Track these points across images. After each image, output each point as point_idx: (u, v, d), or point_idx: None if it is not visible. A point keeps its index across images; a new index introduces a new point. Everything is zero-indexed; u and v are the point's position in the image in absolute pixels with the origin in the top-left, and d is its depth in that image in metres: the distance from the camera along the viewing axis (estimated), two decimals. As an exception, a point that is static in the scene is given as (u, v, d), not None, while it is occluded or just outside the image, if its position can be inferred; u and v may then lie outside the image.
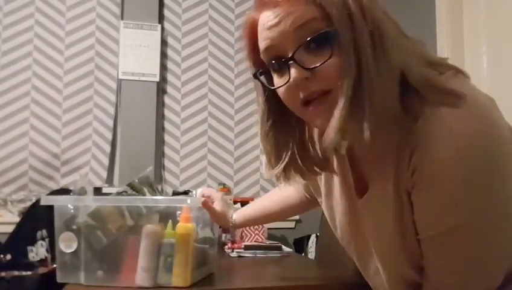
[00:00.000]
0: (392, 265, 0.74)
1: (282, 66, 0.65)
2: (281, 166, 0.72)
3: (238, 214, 1.23)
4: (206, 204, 1.19)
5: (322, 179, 0.85)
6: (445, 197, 0.61)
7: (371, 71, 0.59)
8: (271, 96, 0.71)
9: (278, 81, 0.67)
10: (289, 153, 0.73)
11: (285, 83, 0.65)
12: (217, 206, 1.21)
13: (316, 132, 0.76)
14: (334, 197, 0.83)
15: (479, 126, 0.59)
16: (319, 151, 0.74)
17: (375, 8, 0.62)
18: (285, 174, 0.73)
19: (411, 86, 0.63)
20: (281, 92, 0.67)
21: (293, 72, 0.63)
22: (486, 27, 1.91)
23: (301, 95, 0.64)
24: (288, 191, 1.18)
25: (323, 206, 0.87)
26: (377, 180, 0.71)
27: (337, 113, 0.60)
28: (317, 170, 0.75)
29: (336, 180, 0.81)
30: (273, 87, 0.68)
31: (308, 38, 0.61)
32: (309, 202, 1.13)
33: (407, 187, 0.66)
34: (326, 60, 0.61)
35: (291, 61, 0.63)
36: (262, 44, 0.67)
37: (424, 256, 0.69)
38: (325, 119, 0.63)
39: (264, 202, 1.25)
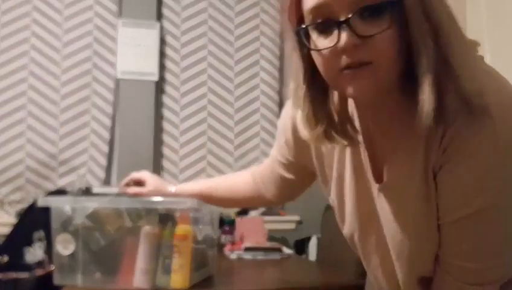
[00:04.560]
0: (410, 255, 0.72)
1: (330, 28, 0.61)
2: (321, 129, 0.70)
3: (179, 189, 1.20)
4: (130, 191, 1.19)
5: (334, 164, 0.82)
6: (479, 177, 0.61)
7: (447, 46, 0.58)
8: (307, 58, 0.68)
9: (321, 42, 0.63)
10: (326, 118, 0.71)
11: (332, 46, 0.61)
12: (149, 186, 1.19)
13: (334, 103, 0.74)
14: (345, 184, 0.81)
15: None
16: (337, 121, 0.73)
17: None
18: (327, 135, 0.71)
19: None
20: (321, 54, 0.64)
21: (345, 36, 0.59)
22: (488, 26, 1.90)
23: (345, 61, 0.61)
24: (243, 181, 1.13)
25: (333, 194, 0.84)
26: (399, 163, 0.69)
27: (427, 89, 0.59)
28: (340, 139, 0.73)
29: (349, 164, 0.79)
30: (318, 49, 0.64)
31: (370, 5, 0.59)
32: (262, 198, 1.09)
33: (435, 168, 0.65)
34: (383, 30, 0.58)
35: (344, 25, 0.59)
36: (312, 1, 0.62)
37: (445, 242, 0.68)
38: (361, 88, 0.62)
39: (211, 183, 1.21)
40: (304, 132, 0.72)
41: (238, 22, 2.84)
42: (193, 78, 2.75)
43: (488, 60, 1.88)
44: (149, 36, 2.64)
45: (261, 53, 2.83)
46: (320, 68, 0.66)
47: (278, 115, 2.77)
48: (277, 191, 1.05)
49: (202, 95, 2.75)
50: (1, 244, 2.03)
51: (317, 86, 0.70)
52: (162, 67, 2.70)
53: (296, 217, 2.73)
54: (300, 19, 0.66)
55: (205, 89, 2.76)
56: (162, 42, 2.70)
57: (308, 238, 2.48)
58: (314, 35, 0.64)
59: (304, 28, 0.65)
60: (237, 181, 1.15)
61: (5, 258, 1.86)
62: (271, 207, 2.73)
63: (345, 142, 0.73)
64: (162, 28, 2.70)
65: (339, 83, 0.65)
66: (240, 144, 2.78)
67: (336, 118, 0.72)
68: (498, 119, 0.59)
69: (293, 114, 0.84)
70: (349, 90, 0.64)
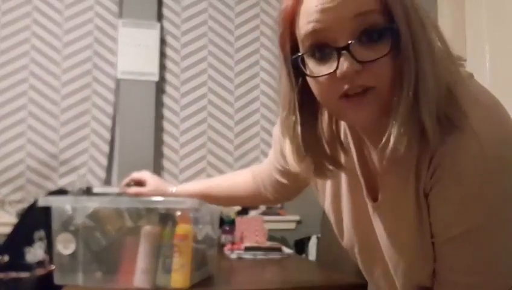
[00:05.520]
0: (405, 269, 0.73)
1: (328, 54, 0.61)
2: (310, 161, 0.69)
3: (180, 189, 1.20)
4: (131, 191, 1.19)
5: (329, 180, 0.82)
6: (468, 198, 0.61)
7: (427, 75, 0.58)
8: (301, 85, 0.67)
9: (319, 69, 0.62)
10: (316, 148, 0.69)
11: (331, 72, 0.60)
12: (150, 186, 1.20)
13: (324, 129, 0.73)
14: (342, 199, 0.81)
15: (504, 128, 0.61)
16: (327, 149, 0.72)
17: (426, 18, 0.61)
18: (316, 169, 0.70)
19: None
20: (319, 81, 0.62)
21: (345, 63, 0.58)
22: (488, 26, 1.90)
23: (345, 87, 0.60)
24: (244, 180, 1.14)
25: (329, 207, 0.85)
26: (392, 184, 0.69)
27: (398, 116, 0.59)
28: (331, 168, 0.71)
29: (344, 182, 0.79)
30: (317, 76, 0.62)
31: (369, 30, 0.58)
32: (262, 197, 1.10)
33: (426, 189, 0.65)
34: (383, 55, 0.58)
35: (344, 51, 0.58)
36: (308, 26, 0.60)
37: (439, 257, 0.68)
38: (365, 115, 0.61)
39: (211, 183, 1.21)
40: (293, 165, 0.71)
41: (238, 22, 2.84)
42: (193, 78, 2.75)
43: (488, 60, 1.88)
44: (149, 36, 2.65)
45: (261, 53, 2.84)
46: (318, 96, 0.65)
47: (277, 115, 2.77)
48: (274, 192, 1.06)
49: (202, 95, 2.76)
50: (2, 244, 2.03)
51: (307, 114, 0.69)
52: (162, 67, 2.70)
53: (296, 217, 2.73)
54: (294, 46, 0.65)
55: (205, 89, 2.76)
56: (163, 42, 2.71)
57: (308, 238, 2.49)
58: (310, 62, 0.63)
59: (300, 55, 0.63)
60: (237, 180, 1.16)
61: (6, 258, 1.87)
62: (271, 207, 2.73)
63: (333, 175, 0.72)
64: (162, 29, 2.70)
65: (340, 110, 0.64)
66: (240, 144, 2.78)
67: (325, 145, 0.71)
68: (484, 141, 0.59)
69: None
70: (352, 117, 0.63)
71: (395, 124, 0.59)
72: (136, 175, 1.23)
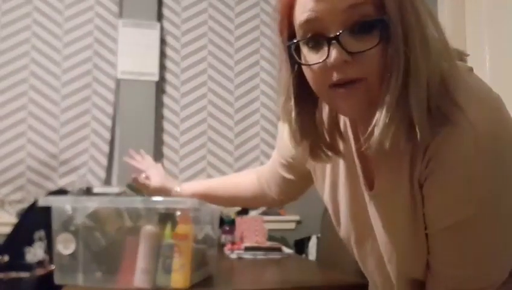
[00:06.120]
0: (398, 261, 0.73)
1: (320, 43, 0.62)
2: (307, 144, 0.71)
3: (185, 188, 1.20)
4: (140, 181, 1.20)
5: (328, 169, 0.83)
6: (462, 189, 0.61)
7: (419, 68, 0.59)
8: (297, 72, 0.69)
9: (311, 57, 0.64)
10: (313, 134, 0.71)
11: (321, 61, 0.62)
12: (156, 183, 1.20)
13: (325, 115, 0.75)
14: (339, 189, 0.82)
15: (500, 121, 0.61)
16: (327, 136, 0.73)
17: (423, 9, 0.61)
18: (312, 152, 0.72)
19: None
20: (311, 69, 0.64)
21: (334, 52, 0.60)
22: (488, 26, 1.90)
23: (335, 77, 0.61)
24: (248, 180, 1.14)
25: (327, 197, 0.86)
26: (388, 173, 0.70)
27: (384, 105, 0.59)
28: (330, 153, 0.73)
29: (342, 170, 0.80)
30: (308, 64, 0.64)
31: (360, 22, 0.59)
32: (267, 198, 1.10)
33: (420, 179, 0.65)
34: (372, 47, 0.59)
35: (333, 41, 0.60)
36: (303, 15, 0.62)
37: (432, 250, 0.69)
38: (353, 106, 0.63)
39: (213, 183, 1.22)
40: (290, 148, 0.73)
41: (238, 22, 2.84)
42: (193, 78, 2.76)
43: (488, 60, 1.88)
44: (149, 36, 2.65)
45: (261, 53, 2.84)
46: (310, 83, 0.66)
47: (277, 115, 2.78)
48: (279, 192, 1.06)
49: (202, 95, 2.76)
50: (2, 244, 2.03)
51: (306, 99, 0.70)
52: (162, 67, 2.70)
53: (296, 217, 2.73)
54: (291, 34, 0.67)
55: (205, 89, 2.76)
56: (163, 42, 2.71)
57: (308, 238, 2.48)
58: (305, 50, 0.65)
59: (294, 42, 0.65)
60: (242, 181, 1.16)
61: (6, 258, 1.87)
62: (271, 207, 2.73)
63: (329, 159, 0.73)
64: (162, 29, 2.71)
65: (330, 99, 0.66)
66: (240, 144, 2.78)
67: (325, 131, 0.73)
68: (480, 136, 0.59)
69: None
70: (342, 107, 0.65)
71: (381, 114, 0.60)
72: (140, 166, 1.24)
